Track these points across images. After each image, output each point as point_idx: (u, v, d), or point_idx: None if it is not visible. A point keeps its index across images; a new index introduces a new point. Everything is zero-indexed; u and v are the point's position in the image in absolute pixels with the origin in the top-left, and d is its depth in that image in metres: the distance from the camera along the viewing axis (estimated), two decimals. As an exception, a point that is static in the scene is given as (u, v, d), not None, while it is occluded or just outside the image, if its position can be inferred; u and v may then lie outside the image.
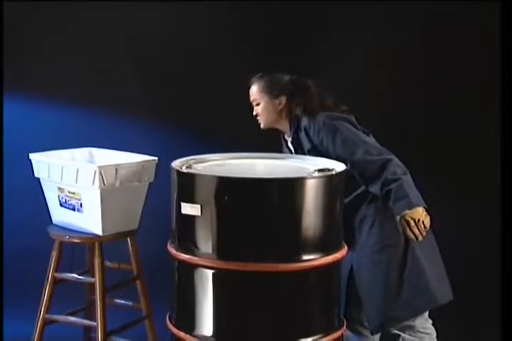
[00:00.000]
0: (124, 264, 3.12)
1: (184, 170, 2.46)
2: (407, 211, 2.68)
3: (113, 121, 3.84)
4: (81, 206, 2.89)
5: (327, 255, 2.42)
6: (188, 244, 2.43)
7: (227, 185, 2.35)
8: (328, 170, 2.45)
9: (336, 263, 2.47)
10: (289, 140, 3.00)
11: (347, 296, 2.88)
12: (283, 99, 2.94)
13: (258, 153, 2.78)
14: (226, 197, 2.33)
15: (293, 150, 2.99)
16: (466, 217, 3.86)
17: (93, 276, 2.95)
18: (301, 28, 3.89)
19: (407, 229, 2.70)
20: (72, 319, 3.06)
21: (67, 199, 2.93)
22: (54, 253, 2.99)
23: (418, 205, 2.69)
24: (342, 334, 2.55)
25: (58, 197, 2.97)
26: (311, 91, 2.96)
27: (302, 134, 2.89)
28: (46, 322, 3.04)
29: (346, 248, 2.55)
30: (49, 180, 2.98)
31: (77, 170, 2.85)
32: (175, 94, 3.95)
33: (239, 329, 2.41)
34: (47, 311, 3.01)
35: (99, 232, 2.88)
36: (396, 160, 2.76)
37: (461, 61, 3.82)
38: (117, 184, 2.86)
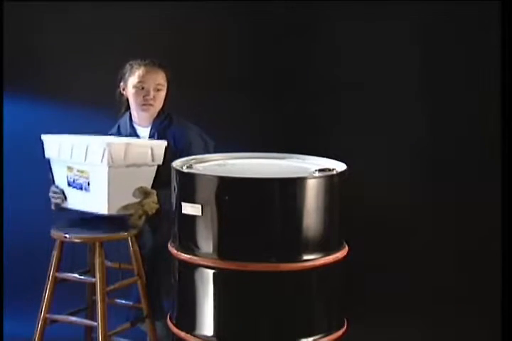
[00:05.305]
0: (125, 264, 3.12)
1: (185, 169, 2.46)
2: None
3: (114, 121, 3.82)
4: (88, 185, 2.90)
5: (328, 255, 2.43)
6: (189, 243, 2.44)
7: (227, 185, 2.35)
8: (329, 170, 2.45)
9: (337, 263, 2.47)
10: (143, 128, 3.21)
11: None
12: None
13: (258, 153, 2.79)
14: (227, 197, 2.34)
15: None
16: (467, 216, 3.86)
17: (94, 276, 2.95)
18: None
19: None
20: (73, 319, 3.06)
21: (76, 178, 2.94)
22: (55, 253, 2.99)
23: None
24: (343, 334, 2.55)
25: (67, 177, 2.99)
26: None
27: (172, 131, 3.15)
28: (47, 322, 3.03)
29: (347, 248, 2.55)
30: (59, 160, 3.01)
31: (87, 148, 2.86)
32: (175, 94, 3.94)
33: (240, 329, 2.41)
34: (48, 311, 3.01)
35: (105, 211, 2.87)
36: None
37: (460, 61, 3.82)
38: (126, 163, 2.86)
